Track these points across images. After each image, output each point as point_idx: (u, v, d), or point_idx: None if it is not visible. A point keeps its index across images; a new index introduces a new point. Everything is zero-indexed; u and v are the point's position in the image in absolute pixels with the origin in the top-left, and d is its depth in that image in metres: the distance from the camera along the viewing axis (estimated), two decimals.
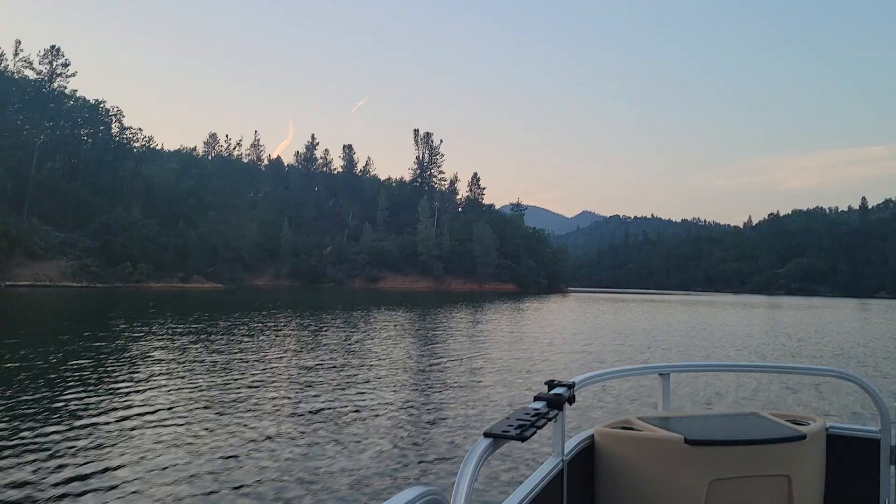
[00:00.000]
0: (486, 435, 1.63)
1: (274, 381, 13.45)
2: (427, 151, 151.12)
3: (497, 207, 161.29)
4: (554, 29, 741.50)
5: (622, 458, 2.50)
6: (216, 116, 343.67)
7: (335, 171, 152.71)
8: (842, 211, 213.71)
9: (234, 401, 11.15)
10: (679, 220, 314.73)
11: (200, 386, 12.51)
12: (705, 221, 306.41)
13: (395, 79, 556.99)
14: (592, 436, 2.59)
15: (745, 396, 12.66)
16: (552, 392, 2.19)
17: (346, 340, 22.42)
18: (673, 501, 2.41)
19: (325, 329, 27.21)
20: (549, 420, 1.94)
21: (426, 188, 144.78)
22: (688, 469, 2.40)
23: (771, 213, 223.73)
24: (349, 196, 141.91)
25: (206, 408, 10.52)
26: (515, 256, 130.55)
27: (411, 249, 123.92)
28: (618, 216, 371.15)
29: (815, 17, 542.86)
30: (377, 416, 10.36)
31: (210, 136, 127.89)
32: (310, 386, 13.02)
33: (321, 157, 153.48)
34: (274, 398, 11.59)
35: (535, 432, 1.75)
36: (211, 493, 6.41)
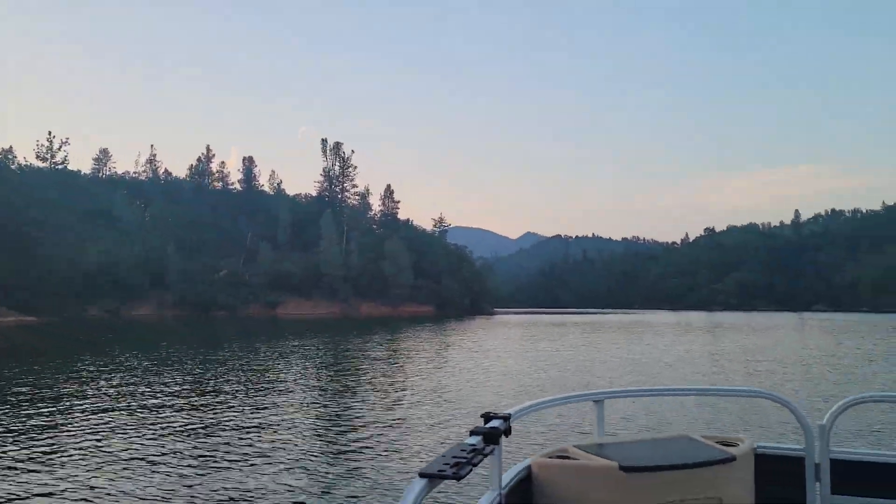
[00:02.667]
0: (422, 475, 1.68)
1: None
2: (337, 163, 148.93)
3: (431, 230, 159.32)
4: (499, 48, 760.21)
5: (560, 488, 2.69)
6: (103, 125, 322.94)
7: (233, 187, 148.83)
8: (775, 226, 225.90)
9: None
10: (619, 239, 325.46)
11: None
12: (644, 239, 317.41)
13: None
14: (529, 467, 2.76)
15: (678, 420, 13.75)
16: (488, 425, 2.29)
17: (244, 381, 21.97)
18: None
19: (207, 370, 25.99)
20: (486, 455, 2.05)
21: (336, 204, 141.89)
22: (624, 496, 2.63)
23: (707, 229, 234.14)
24: (248, 214, 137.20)
25: None
26: (435, 276, 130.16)
27: (315, 270, 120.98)
28: (559, 236, 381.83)
29: (745, 40, 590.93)
30: (300, 461, 10.52)
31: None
32: (211, 434, 12.89)
33: (217, 171, 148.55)
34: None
35: (471, 470, 1.84)
36: None
